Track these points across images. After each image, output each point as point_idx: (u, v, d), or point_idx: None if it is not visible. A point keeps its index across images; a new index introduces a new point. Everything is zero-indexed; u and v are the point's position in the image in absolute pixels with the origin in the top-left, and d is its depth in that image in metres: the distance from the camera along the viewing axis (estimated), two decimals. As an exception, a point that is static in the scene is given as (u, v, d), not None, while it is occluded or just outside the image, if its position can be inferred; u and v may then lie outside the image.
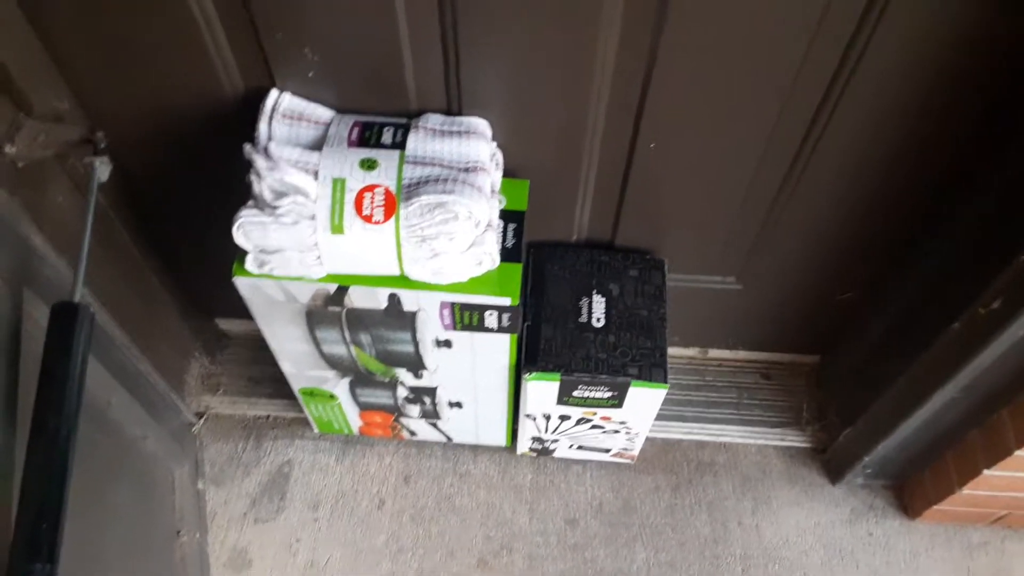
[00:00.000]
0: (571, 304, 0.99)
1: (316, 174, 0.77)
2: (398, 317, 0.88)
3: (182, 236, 1.08)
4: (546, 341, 0.97)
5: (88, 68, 0.80)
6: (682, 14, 0.73)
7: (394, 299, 0.85)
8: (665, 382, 0.96)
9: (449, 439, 1.19)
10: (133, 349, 1.00)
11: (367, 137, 0.81)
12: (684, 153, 0.89)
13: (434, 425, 1.15)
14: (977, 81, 0.78)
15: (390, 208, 0.77)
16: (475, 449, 1.22)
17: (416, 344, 0.93)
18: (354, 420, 1.15)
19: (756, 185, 0.94)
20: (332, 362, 0.99)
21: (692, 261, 1.07)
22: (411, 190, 0.78)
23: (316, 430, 1.21)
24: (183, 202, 1.01)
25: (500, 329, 0.89)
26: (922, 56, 0.76)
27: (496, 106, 0.84)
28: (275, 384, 1.26)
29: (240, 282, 0.84)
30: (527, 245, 0.99)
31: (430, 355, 0.95)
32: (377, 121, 0.83)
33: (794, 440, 1.24)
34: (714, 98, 0.82)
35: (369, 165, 0.78)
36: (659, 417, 1.14)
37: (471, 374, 0.99)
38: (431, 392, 1.05)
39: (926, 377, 0.96)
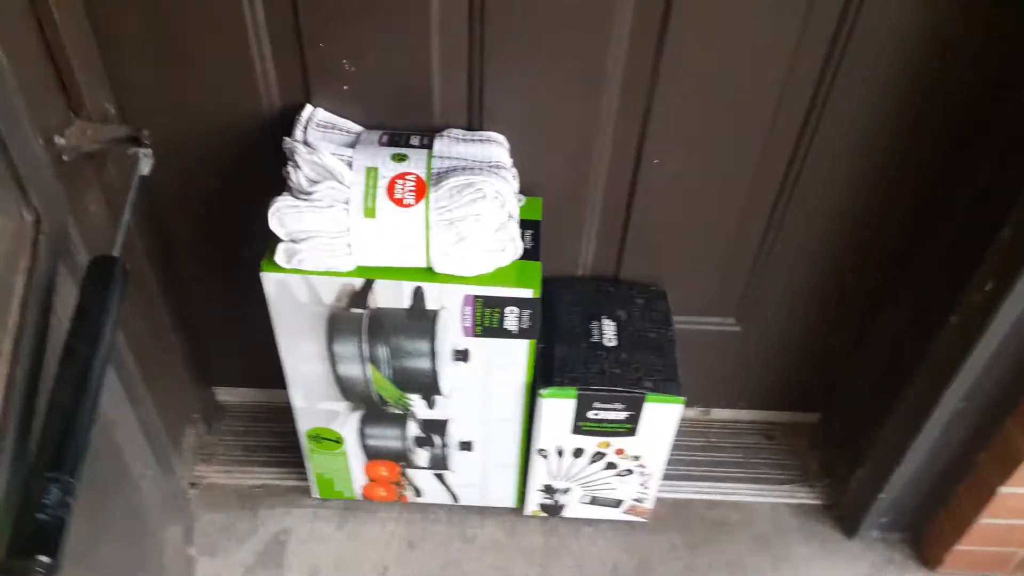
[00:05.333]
0: (582, 327, 1.02)
1: (350, 165, 0.83)
2: (420, 319, 0.89)
3: (200, 298, 1.11)
4: (560, 360, 0.98)
5: (137, 78, 0.87)
6: (679, 47, 0.85)
7: (418, 294, 0.87)
8: (680, 395, 0.97)
9: (455, 499, 1.15)
10: (144, 387, 0.98)
11: (396, 140, 0.87)
12: (683, 173, 0.97)
13: (441, 479, 1.11)
14: (947, 86, 0.89)
15: (420, 192, 0.82)
16: (482, 512, 1.17)
17: (433, 357, 0.93)
18: (358, 477, 1.11)
19: (747, 214, 1.02)
20: (346, 387, 0.98)
21: (692, 298, 1.11)
22: (440, 177, 0.83)
23: (316, 494, 1.16)
24: (207, 250, 1.05)
25: (520, 332, 0.90)
26: (889, 80, 0.87)
27: (513, 125, 0.92)
28: (272, 451, 1.22)
29: (268, 278, 0.86)
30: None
31: (446, 372, 0.95)
32: (405, 131, 0.90)
33: (805, 497, 1.22)
34: (709, 115, 0.91)
35: (400, 158, 0.84)
36: (668, 476, 1.13)
37: (485, 400, 0.99)
38: (442, 429, 1.03)
39: (927, 389, 0.99)
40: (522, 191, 0.96)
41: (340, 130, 0.89)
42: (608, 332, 1.01)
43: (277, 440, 1.23)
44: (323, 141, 0.86)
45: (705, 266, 1.08)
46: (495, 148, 0.89)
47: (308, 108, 0.89)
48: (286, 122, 0.90)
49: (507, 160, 0.89)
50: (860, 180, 0.98)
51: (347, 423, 1.03)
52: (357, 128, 0.91)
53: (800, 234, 1.04)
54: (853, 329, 1.15)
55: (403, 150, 0.86)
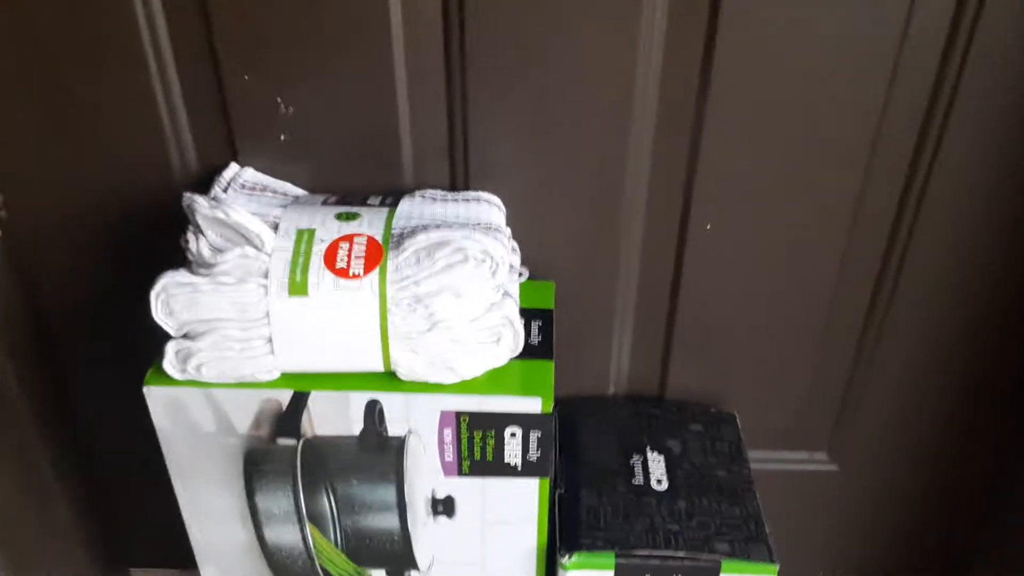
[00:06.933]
0: (618, 463, 0.72)
1: (276, 227, 0.58)
2: (378, 451, 0.61)
3: (106, 442, 0.84)
4: (589, 510, 0.68)
5: (4, 130, 0.65)
6: (726, 82, 0.62)
7: (373, 412, 0.59)
8: (773, 562, 0.65)
9: None
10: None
11: (348, 200, 0.63)
12: (747, 242, 0.71)
13: None
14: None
15: (374, 258, 0.56)
16: None
17: (401, 510, 0.64)
18: None
19: (840, 302, 0.75)
20: (277, 562, 0.68)
21: (765, 425, 0.82)
22: (403, 237, 0.58)
23: None
24: (109, 371, 0.79)
25: (526, 467, 0.61)
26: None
27: (511, 184, 0.68)
28: (199, 659, 0.88)
29: (153, 395, 0.59)
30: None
31: (422, 534, 0.65)
32: (363, 193, 0.66)
33: None
34: (780, 160, 0.67)
35: (348, 216, 0.60)
36: None
37: (482, 574, 0.68)
38: (423, 622, 0.71)
39: None
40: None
41: (274, 193, 0.65)
42: (656, 470, 0.72)
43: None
44: (248, 203, 0.62)
45: (783, 379, 0.80)
46: (486, 208, 0.64)
47: (232, 167, 0.66)
48: (206, 189, 0.66)
49: (501, 223, 0.64)
50: (991, 252, 0.71)
51: (286, 616, 0.72)
52: (298, 191, 0.67)
53: (914, 334, 0.76)
54: (988, 461, 0.84)
55: (355, 208, 0.61)
